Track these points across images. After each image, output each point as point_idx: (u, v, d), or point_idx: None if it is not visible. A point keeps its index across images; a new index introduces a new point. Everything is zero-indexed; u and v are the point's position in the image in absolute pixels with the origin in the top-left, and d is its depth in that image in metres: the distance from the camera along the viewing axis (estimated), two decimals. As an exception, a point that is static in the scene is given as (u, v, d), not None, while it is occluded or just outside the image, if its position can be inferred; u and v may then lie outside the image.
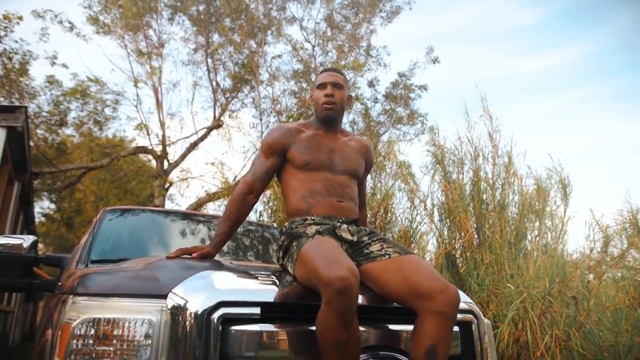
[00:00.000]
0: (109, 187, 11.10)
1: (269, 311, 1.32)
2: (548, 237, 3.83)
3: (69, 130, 10.62)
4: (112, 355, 1.24)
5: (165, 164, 10.18)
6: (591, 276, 3.37)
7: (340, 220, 1.65)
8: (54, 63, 9.64)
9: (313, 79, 9.97)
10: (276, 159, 1.77)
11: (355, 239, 1.61)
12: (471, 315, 1.66)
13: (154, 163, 10.70)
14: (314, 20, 10.33)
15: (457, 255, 3.97)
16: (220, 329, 1.24)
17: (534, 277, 2.98)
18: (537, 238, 3.80)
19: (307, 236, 1.48)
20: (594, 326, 3.06)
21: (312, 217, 1.64)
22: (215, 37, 10.39)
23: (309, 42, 10.29)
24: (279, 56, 9.88)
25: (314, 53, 10.34)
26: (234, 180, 8.87)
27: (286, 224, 1.69)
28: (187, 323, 1.24)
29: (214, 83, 10.57)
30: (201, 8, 10.27)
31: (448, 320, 1.35)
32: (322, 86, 1.82)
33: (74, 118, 10.28)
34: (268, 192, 5.83)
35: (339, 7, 10.35)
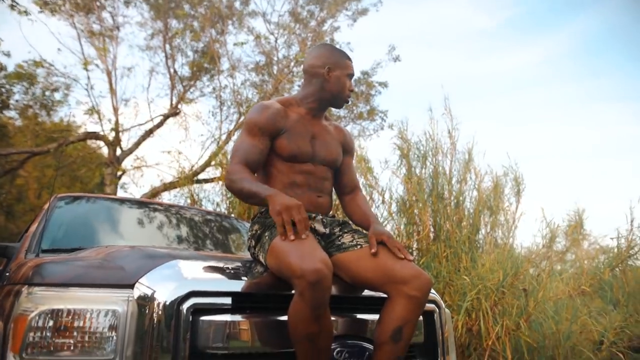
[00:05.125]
0: (56, 174, 10.52)
1: (240, 301, 1.31)
2: (499, 232, 4.02)
3: (11, 113, 9.98)
4: (73, 347, 1.19)
5: (118, 151, 9.78)
6: (541, 270, 3.57)
7: (315, 214, 1.64)
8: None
9: (275, 71, 9.89)
10: (268, 142, 1.63)
11: (327, 231, 1.62)
12: (434, 305, 1.72)
13: (105, 150, 10.24)
14: (278, 13, 10.22)
15: (413, 248, 4.08)
16: (190, 319, 1.22)
17: (489, 270, 3.12)
18: (490, 232, 3.98)
19: None
20: (540, 316, 3.25)
21: None
22: (174, 23, 10.06)
23: (272, 34, 10.17)
24: (242, 44, 9.68)
25: (277, 45, 10.24)
26: (191, 169, 8.66)
27: (260, 211, 1.65)
28: (156, 314, 1.20)
29: (172, 70, 10.24)
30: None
31: (418, 304, 1.39)
32: (351, 77, 1.75)
33: (17, 101, 9.66)
34: (227, 183, 5.73)
35: (304, 3, 10.29)
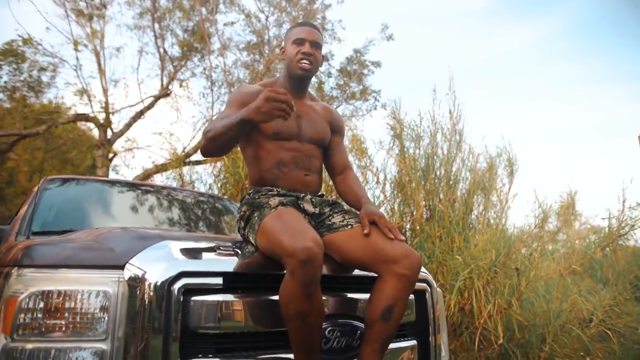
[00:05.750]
0: (46, 156, 10.40)
1: (231, 281, 1.30)
2: (492, 212, 4.05)
3: (-1, 95, 9.79)
4: (64, 329, 1.18)
5: (109, 133, 9.67)
6: (533, 249, 3.61)
7: (304, 194, 1.63)
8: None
9: (266, 51, 9.76)
10: None
11: (317, 210, 1.61)
12: (425, 284, 1.73)
13: (96, 132, 10.13)
14: (269, -10, 10.02)
15: (407, 229, 4.10)
16: (181, 299, 1.22)
17: (482, 250, 3.14)
18: (484, 213, 4.01)
19: (269, 207, 1.46)
20: (531, 295, 3.29)
21: (278, 189, 1.61)
22: (163, 2, 9.85)
23: (263, 12, 10.00)
24: (232, 23, 9.53)
25: (267, 24, 10.08)
26: (183, 151, 8.59)
27: (249, 192, 1.65)
28: (147, 294, 1.20)
29: (162, 50, 10.06)
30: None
31: (408, 283, 1.39)
32: (300, 42, 1.68)
33: (5, 82, 9.46)
34: (219, 164, 5.71)
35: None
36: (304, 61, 1.67)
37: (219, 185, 5.54)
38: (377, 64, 10.63)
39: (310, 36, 1.69)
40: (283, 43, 1.77)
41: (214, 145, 1.52)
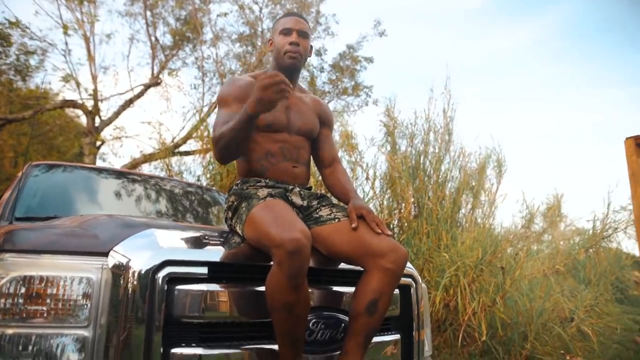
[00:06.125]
0: (32, 142, 10.23)
1: (216, 271, 1.30)
2: (479, 212, 4.09)
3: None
4: (46, 315, 1.16)
5: (97, 120, 9.54)
6: (519, 249, 3.65)
7: (292, 186, 1.63)
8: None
9: (259, 43, 9.69)
10: None
11: (305, 203, 1.61)
12: (410, 279, 1.74)
13: (83, 119, 9.97)
14: (263, -19, 9.94)
15: (395, 225, 4.12)
16: (165, 288, 1.21)
17: (468, 248, 3.17)
18: (472, 212, 4.04)
19: (257, 198, 1.45)
20: (515, 294, 3.34)
21: (266, 180, 1.61)
22: (156, -11, 9.71)
23: (257, 3, 9.92)
24: (225, 14, 9.44)
25: (261, 16, 10.01)
26: (172, 141, 8.52)
27: (236, 183, 1.64)
28: (130, 282, 1.19)
29: (153, 38, 9.94)
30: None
31: (394, 277, 1.40)
32: (286, 32, 1.68)
33: (-9, 65, 9.27)
34: (208, 156, 5.68)
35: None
36: (291, 53, 1.66)
37: (208, 176, 5.51)
38: (369, 60, 10.63)
39: (297, 25, 1.68)
40: (270, 35, 1.76)
41: (229, 151, 1.51)
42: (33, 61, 9.50)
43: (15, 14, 9.89)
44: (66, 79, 9.11)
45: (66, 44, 9.16)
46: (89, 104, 9.42)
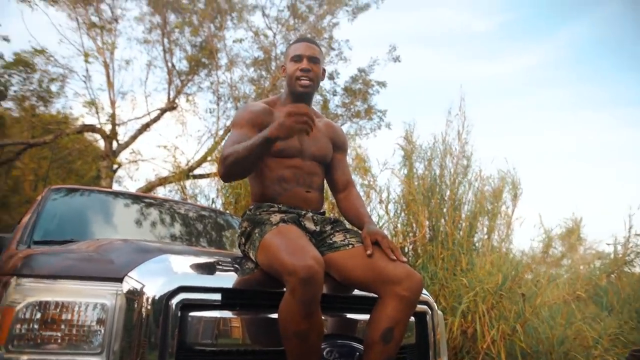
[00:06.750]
0: (51, 166, 10.46)
1: (229, 297, 1.29)
2: (495, 235, 4.02)
3: (8, 104, 9.91)
4: (60, 340, 1.17)
5: (115, 144, 9.73)
6: (540, 275, 3.57)
7: (305, 211, 1.62)
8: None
9: (273, 67, 9.86)
10: (257, 133, 1.56)
11: (318, 228, 1.60)
12: (426, 306, 1.71)
13: (101, 143, 10.19)
14: (277, 7, 10.19)
15: (409, 249, 4.07)
16: (179, 314, 1.20)
17: (487, 273, 3.10)
18: (487, 236, 3.97)
19: (270, 224, 1.45)
20: (535, 321, 3.24)
21: (279, 206, 1.61)
22: (173, 18, 10.01)
23: (271, 29, 10.14)
24: (240, 41, 9.64)
25: (275, 41, 10.21)
26: (187, 164, 8.62)
27: (249, 208, 1.65)
28: (144, 308, 1.19)
29: (170, 64, 10.19)
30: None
31: (409, 305, 1.37)
32: (297, 58, 1.69)
33: (15, 92, 9.59)
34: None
35: (304, -3, 10.27)
36: (303, 78, 1.67)
37: (223, 199, 5.53)
38: (382, 84, 10.70)
39: (307, 52, 1.69)
40: (283, 61, 1.78)
41: (236, 169, 1.49)
42: (54, 87, 9.81)
43: (40, 41, 10.24)
44: (89, 104, 9.35)
45: (87, 70, 9.45)
46: (107, 128, 9.63)
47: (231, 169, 1.49)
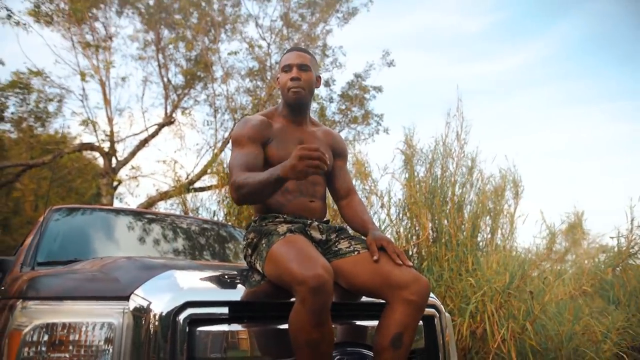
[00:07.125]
0: (51, 185, 10.47)
1: (237, 311, 1.29)
2: (498, 233, 4.01)
3: (6, 127, 9.93)
4: (68, 362, 1.16)
5: (114, 161, 9.75)
6: (547, 272, 3.56)
7: (311, 221, 1.63)
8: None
9: (268, 77, 9.90)
10: (260, 148, 1.63)
11: (324, 237, 1.60)
12: (434, 310, 1.70)
13: (100, 161, 10.21)
14: (270, 17, 10.25)
15: (413, 252, 4.06)
16: (187, 330, 1.20)
17: (495, 272, 3.09)
18: (490, 235, 3.97)
19: (277, 234, 1.45)
20: (543, 318, 3.22)
21: (284, 216, 1.61)
22: (166, 33, 10.08)
23: (265, 39, 10.19)
24: (235, 53, 9.70)
25: (269, 51, 10.26)
26: (187, 178, 8.63)
27: (254, 220, 1.65)
28: (152, 325, 1.18)
29: (165, 79, 10.24)
30: (151, 2, 9.91)
31: (417, 309, 1.37)
32: (287, 68, 1.70)
33: (12, 113, 9.61)
34: (223, 190, 5.72)
35: (296, 6, 10.32)
36: (293, 89, 1.68)
37: (224, 211, 5.53)
38: (378, 89, 10.74)
39: (296, 60, 1.70)
40: (276, 72, 1.80)
41: (251, 198, 1.51)
42: (51, 107, 9.84)
43: (35, 62, 10.30)
44: (85, 122, 9.37)
45: (83, 89, 9.48)
46: (106, 145, 9.64)
47: (246, 199, 1.52)
